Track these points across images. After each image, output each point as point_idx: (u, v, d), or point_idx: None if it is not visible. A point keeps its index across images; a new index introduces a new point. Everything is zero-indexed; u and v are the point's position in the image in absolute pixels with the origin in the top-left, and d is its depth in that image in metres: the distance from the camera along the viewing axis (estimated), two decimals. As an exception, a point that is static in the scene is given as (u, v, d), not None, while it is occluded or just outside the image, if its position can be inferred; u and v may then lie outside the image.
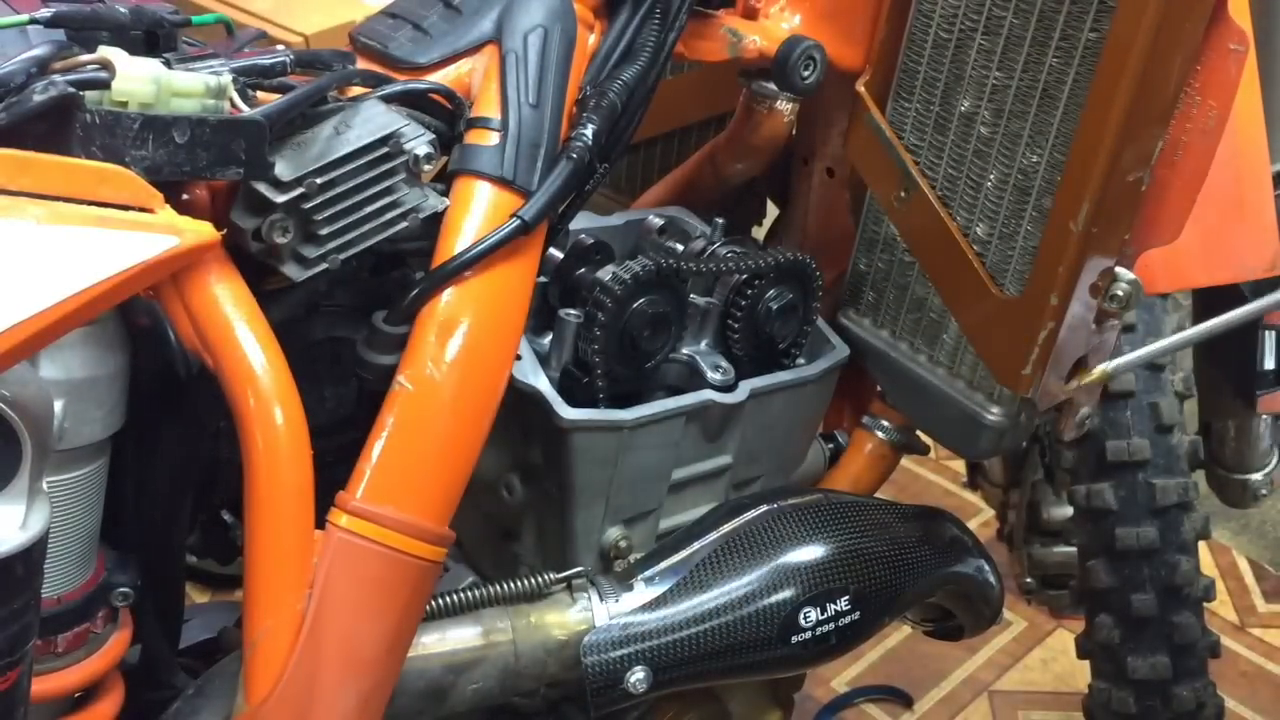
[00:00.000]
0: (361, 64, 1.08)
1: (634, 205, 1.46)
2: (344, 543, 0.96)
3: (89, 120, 0.84)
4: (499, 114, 1.04)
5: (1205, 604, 1.55)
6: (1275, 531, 2.47)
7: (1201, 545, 1.58)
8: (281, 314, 0.98)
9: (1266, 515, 2.48)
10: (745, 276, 1.24)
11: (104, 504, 0.98)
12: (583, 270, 1.21)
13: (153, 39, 0.97)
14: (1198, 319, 1.66)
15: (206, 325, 0.90)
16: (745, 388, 1.23)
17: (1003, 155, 1.18)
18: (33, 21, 0.94)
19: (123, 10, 0.96)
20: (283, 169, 0.92)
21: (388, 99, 1.01)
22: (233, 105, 0.90)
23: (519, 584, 1.14)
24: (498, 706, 1.19)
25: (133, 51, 0.89)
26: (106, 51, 0.87)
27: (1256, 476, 1.73)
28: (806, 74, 1.25)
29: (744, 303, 1.24)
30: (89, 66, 0.86)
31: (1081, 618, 1.62)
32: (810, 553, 1.22)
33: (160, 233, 0.83)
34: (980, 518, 2.29)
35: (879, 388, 1.41)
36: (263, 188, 0.92)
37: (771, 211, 1.55)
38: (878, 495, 1.43)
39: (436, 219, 1.01)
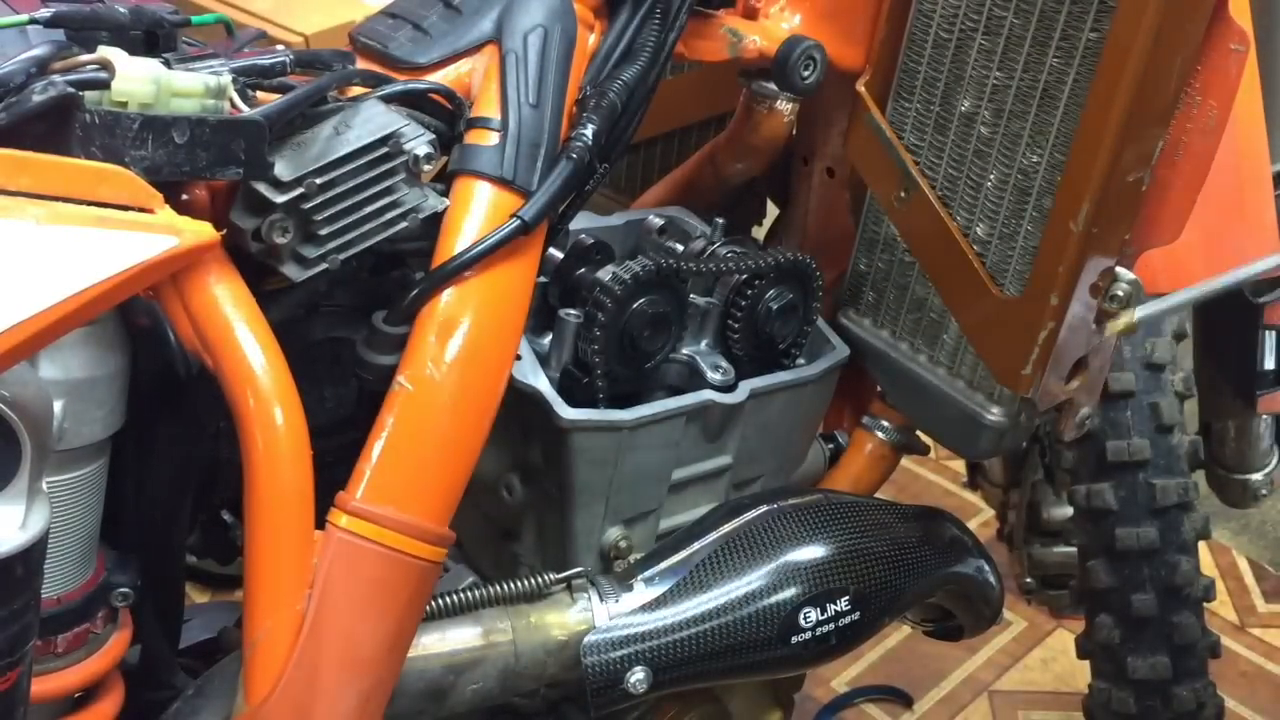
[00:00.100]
0: (361, 64, 1.08)
1: (634, 205, 1.46)
2: (344, 543, 0.96)
3: (88, 120, 0.84)
4: (499, 114, 1.04)
5: (1205, 604, 1.55)
6: (1275, 531, 2.47)
7: (1201, 545, 1.58)
8: (281, 314, 0.98)
9: (1266, 515, 2.48)
10: (745, 276, 1.24)
11: (104, 504, 0.98)
12: (583, 270, 1.21)
13: (152, 39, 0.97)
14: (1198, 319, 1.67)
15: (206, 325, 0.90)
16: (745, 388, 1.23)
17: (1003, 155, 1.18)
18: (32, 21, 0.94)
19: (122, 10, 0.96)
20: (282, 169, 0.92)
21: (388, 99, 1.01)
22: (232, 105, 0.90)
23: (519, 584, 1.14)
24: (498, 706, 1.19)
25: (132, 51, 0.89)
26: (106, 51, 0.87)
27: (1256, 477, 1.73)
28: (806, 74, 1.25)
29: (744, 303, 1.24)
30: (89, 67, 0.86)
31: (1081, 618, 1.62)
32: (810, 553, 1.22)
33: (160, 233, 0.83)
34: (980, 518, 2.29)
35: (879, 388, 1.41)
36: (262, 188, 0.92)
37: (771, 211, 1.55)
38: (878, 495, 1.43)
39: (436, 219, 1.01)
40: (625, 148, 1.12)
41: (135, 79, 0.86)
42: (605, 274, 1.17)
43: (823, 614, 1.21)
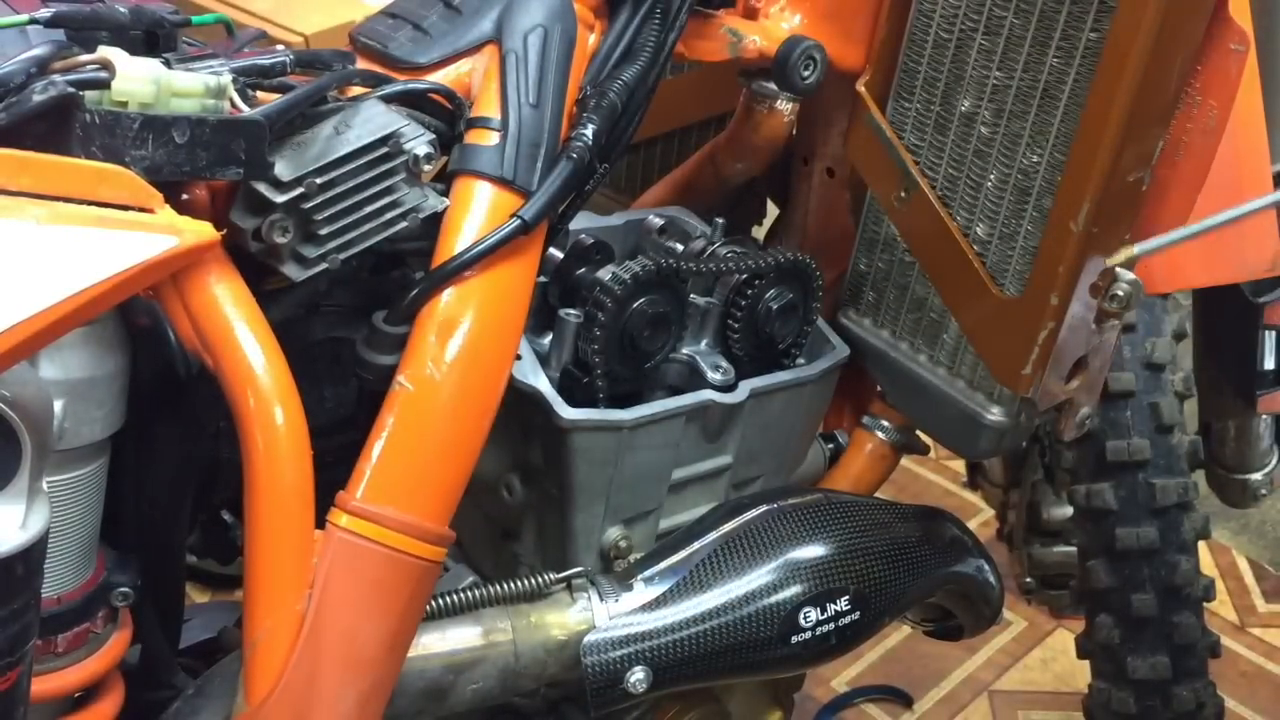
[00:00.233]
0: (361, 64, 1.08)
1: (634, 205, 1.46)
2: (344, 543, 0.96)
3: (89, 120, 0.84)
4: (499, 114, 1.04)
5: (1205, 604, 1.55)
6: (1275, 531, 2.47)
7: (1201, 545, 1.58)
8: (281, 314, 0.98)
9: (1266, 515, 2.48)
10: (745, 276, 1.24)
11: (104, 504, 0.98)
12: (583, 270, 1.21)
13: (153, 39, 0.97)
14: (1198, 319, 1.67)
15: (206, 325, 0.90)
16: (745, 388, 1.23)
17: (1003, 155, 1.18)
18: (33, 21, 0.94)
19: (123, 10, 0.96)
20: (282, 169, 0.92)
21: (388, 99, 1.01)
22: (233, 105, 0.90)
23: (519, 584, 1.14)
24: (498, 706, 1.19)
25: (133, 51, 0.89)
26: (106, 51, 0.87)
27: (1256, 476, 1.73)
28: (806, 74, 1.25)
29: (744, 303, 1.24)
30: (89, 66, 0.86)
31: (1081, 618, 1.62)
32: (810, 553, 1.22)
33: (160, 233, 0.83)
34: (980, 518, 2.29)
35: (879, 388, 1.41)
36: (263, 188, 0.92)
37: (771, 211, 1.55)
38: (878, 495, 1.43)
39: (436, 219, 1.01)
40: (625, 148, 1.12)
41: (135, 79, 0.86)
42: (605, 274, 1.17)
43: (823, 614, 1.21)
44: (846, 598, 1.22)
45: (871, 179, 1.29)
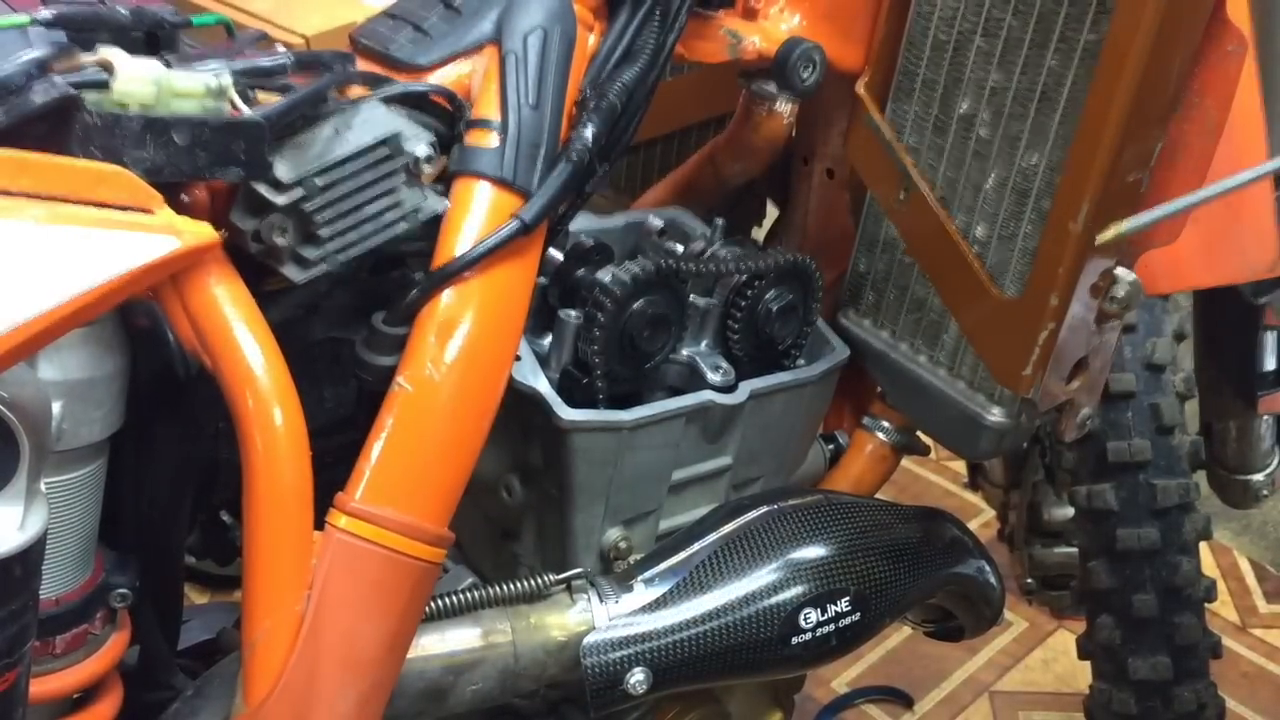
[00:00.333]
0: (361, 65, 1.08)
1: (634, 206, 1.46)
2: (343, 544, 0.96)
3: (89, 121, 0.84)
4: (499, 115, 1.04)
5: (1206, 605, 1.55)
6: (1276, 532, 2.47)
7: (1203, 546, 1.58)
8: (281, 314, 0.98)
9: (1268, 516, 2.48)
10: (745, 277, 1.24)
11: (103, 504, 0.98)
12: (582, 271, 1.21)
13: (153, 40, 0.97)
14: (1198, 320, 1.67)
15: (206, 326, 0.90)
16: (745, 388, 1.23)
17: (1002, 156, 1.18)
18: (33, 22, 0.94)
19: (123, 11, 0.96)
20: (283, 170, 0.92)
21: (388, 100, 1.01)
22: (233, 106, 0.90)
23: (519, 585, 1.14)
24: (497, 707, 1.19)
25: (133, 52, 0.89)
26: (107, 52, 0.87)
27: (1258, 477, 1.73)
28: (806, 75, 1.25)
29: (744, 303, 1.24)
30: (89, 67, 0.86)
31: (1082, 618, 1.62)
32: (811, 554, 1.22)
33: (160, 234, 0.83)
34: (981, 518, 2.29)
35: (879, 388, 1.41)
36: (263, 189, 0.92)
37: (771, 212, 1.55)
38: (878, 496, 1.43)
39: (436, 220, 1.01)
40: (625, 149, 1.12)
41: (136, 80, 0.86)
42: (605, 275, 1.17)
43: (823, 615, 1.21)
44: (847, 599, 1.22)
45: (871, 180, 1.29)
